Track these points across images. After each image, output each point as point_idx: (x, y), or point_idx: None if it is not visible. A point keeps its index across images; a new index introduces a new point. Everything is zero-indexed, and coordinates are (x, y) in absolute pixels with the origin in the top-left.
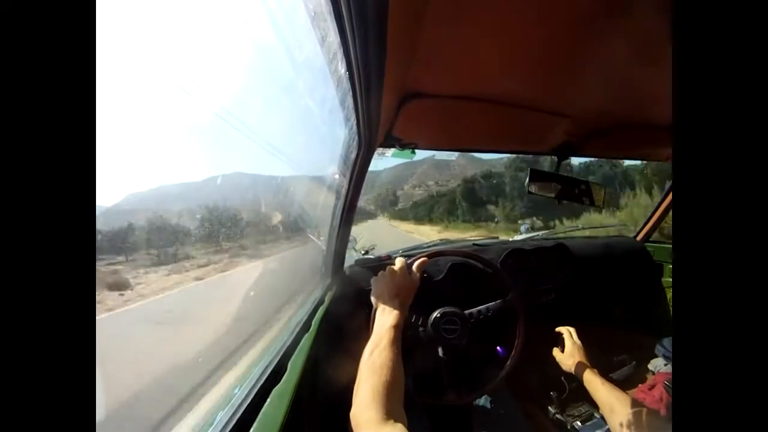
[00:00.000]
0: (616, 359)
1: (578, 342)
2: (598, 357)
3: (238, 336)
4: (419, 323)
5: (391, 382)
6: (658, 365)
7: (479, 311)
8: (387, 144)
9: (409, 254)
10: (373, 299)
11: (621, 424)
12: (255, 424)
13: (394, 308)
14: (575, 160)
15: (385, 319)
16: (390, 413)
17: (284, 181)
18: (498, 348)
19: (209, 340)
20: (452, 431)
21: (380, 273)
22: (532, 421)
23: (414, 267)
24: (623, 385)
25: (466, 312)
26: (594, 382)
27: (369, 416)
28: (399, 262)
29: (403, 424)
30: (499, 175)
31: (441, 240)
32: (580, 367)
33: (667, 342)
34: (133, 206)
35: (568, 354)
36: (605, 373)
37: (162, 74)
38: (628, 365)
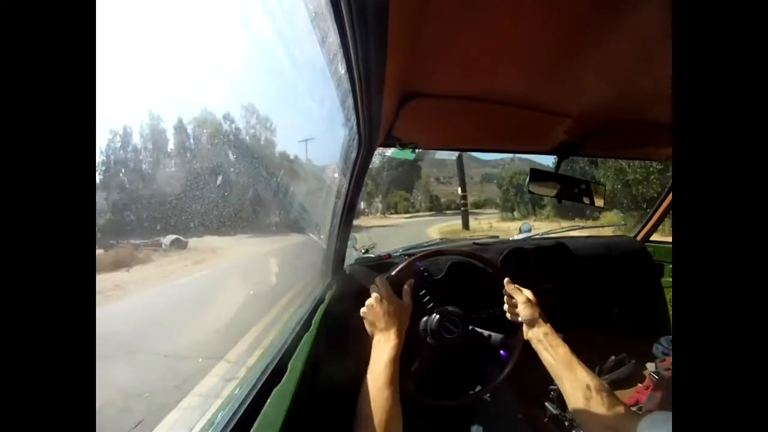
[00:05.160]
0: (616, 358)
1: (532, 298)
2: (598, 356)
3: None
4: (419, 323)
5: (386, 425)
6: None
7: (481, 315)
8: (387, 143)
9: (408, 253)
10: (368, 329)
11: (572, 391)
12: (255, 425)
13: (390, 338)
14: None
15: (382, 351)
16: None
17: (284, 180)
18: (501, 352)
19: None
20: (451, 431)
21: (367, 302)
22: (531, 420)
23: (404, 292)
24: (622, 383)
25: (467, 312)
26: (550, 341)
27: None
28: (381, 285)
29: None
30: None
31: (441, 239)
32: (534, 318)
33: (665, 340)
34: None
35: (522, 303)
36: (605, 372)
37: (160, 73)
38: (627, 364)
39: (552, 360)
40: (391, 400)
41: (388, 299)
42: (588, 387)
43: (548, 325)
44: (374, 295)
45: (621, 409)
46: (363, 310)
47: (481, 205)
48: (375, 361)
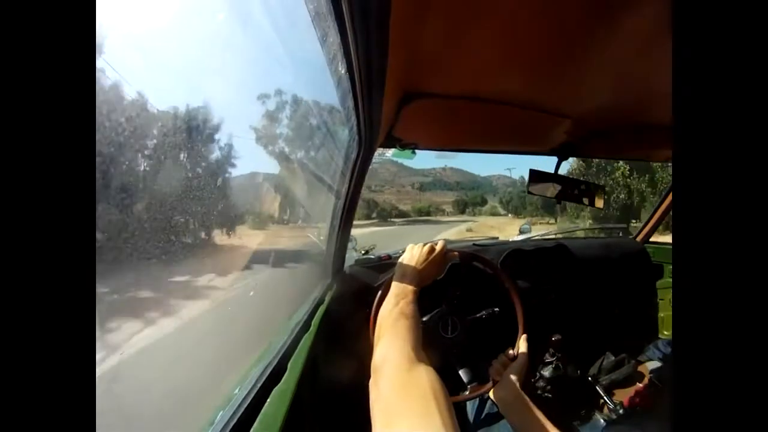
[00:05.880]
0: (615, 359)
1: (526, 366)
2: (598, 356)
3: None
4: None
5: (418, 330)
6: (653, 368)
7: (479, 315)
8: (387, 144)
9: None
10: (399, 262)
11: None
12: (255, 424)
13: (414, 279)
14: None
15: (407, 283)
16: (419, 356)
17: (285, 181)
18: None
19: None
20: None
21: (419, 245)
22: None
23: (447, 256)
24: (622, 384)
25: (465, 313)
26: (524, 403)
27: (401, 355)
28: (441, 245)
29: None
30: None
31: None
32: (514, 381)
33: (662, 344)
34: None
35: (519, 361)
36: (604, 372)
37: (159, 73)
38: (627, 365)
39: (523, 425)
40: (417, 313)
41: (437, 256)
42: None
43: (522, 399)
44: (429, 245)
45: None
46: (411, 245)
47: (426, 213)
48: (398, 287)
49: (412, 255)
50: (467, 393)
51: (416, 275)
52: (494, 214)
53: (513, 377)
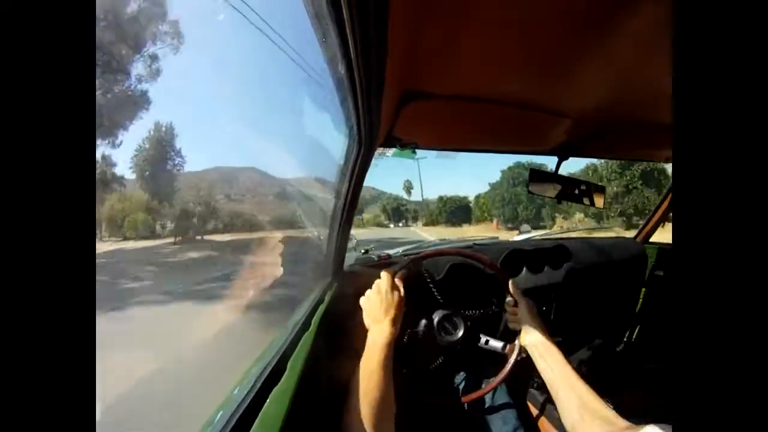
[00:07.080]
0: (614, 359)
1: (533, 304)
2: (597, 357)
3: None
4: (418, 324)
5: (380, 406)
6: (650, 369)
7: (479, 314)
8: (387, 144)
9: (408, 254)
10: (365, 321)
11: (566, 403)
12: (255, 424)
13: (386, 327)
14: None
15: (377, 337)
16: (380, 418)
17: (284, 180)
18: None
19: None
20: (450, 430)
21: (367, 293)
22: (530, 420)
23: (396, 281)
24: (619, 384)
25: (466, 312)
26: (548, 349)
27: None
28: (385, 277)
29: None
30: None
31: (441, 240)
32: (534, 325)
33: (659, 344)
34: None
35: (524, 309)
36: (602, 373)
37: (159, 72)
38: (625, 365)
39: (548, 369)
40: (383, 382)
41: (387, 290)
42: (583, 402)
43: (547, 334)
44: (375, 285)
45: (617, 428)
46: (362, 299)
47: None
48: (369, 347)
49: (369, 308)
50: (508, 366)
51: (385, 324)
52: (379, 224)
53: (530, 317)
